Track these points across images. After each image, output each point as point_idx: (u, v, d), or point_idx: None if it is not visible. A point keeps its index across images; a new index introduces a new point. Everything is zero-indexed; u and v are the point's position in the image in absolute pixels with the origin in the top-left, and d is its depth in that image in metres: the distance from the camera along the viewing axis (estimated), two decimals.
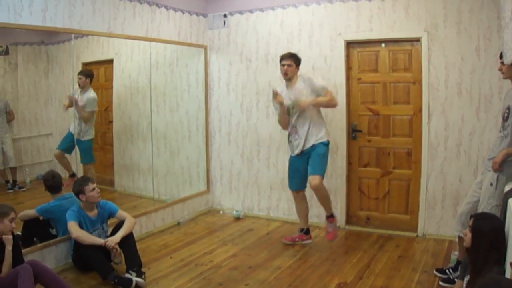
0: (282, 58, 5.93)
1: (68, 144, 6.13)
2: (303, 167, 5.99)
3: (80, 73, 6.21)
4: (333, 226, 5.94)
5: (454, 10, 5.95)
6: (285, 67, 5.87)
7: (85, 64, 6.30)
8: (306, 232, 6.34)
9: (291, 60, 5.88)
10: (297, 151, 5.96)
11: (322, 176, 5.83)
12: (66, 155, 6.23)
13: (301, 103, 5.74)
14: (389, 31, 6.37)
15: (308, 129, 5.84)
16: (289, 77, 5.89)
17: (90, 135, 6.43)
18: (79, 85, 6.21)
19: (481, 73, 5.88)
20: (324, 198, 5.92)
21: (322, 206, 6.04)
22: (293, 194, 6.30)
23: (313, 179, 5.75)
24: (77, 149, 6.11)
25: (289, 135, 6.03)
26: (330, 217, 5.97)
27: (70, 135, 6.13)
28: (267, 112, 7.27)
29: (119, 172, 7.25)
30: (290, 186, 6.29)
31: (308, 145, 5.87)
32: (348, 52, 6.74)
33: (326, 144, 5.90)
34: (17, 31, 5.16)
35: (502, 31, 4.10)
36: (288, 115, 5.91)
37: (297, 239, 6.31)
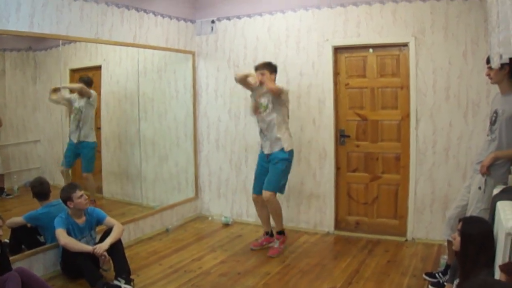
0: (256, 68, 6.10)
1: (72, 154, 6.27)
2: (265, 174, 6.13)
3: (81, 81, 6.34)
4: (278, 244, 6.04)
5: (442, 14, 5.98)
6: (259, 76, 6.01)
7: (73, 71, 6.28)
8: (271, 234, 6.42)
9: (264, 68, 6.02)
10: (265, 151, 6.12)
11: (276, 191, 6.02)
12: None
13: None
14: (376, 36, 6.39)
15: (274, 134, 5.97)
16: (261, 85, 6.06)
17: (93, 137, 6.59)
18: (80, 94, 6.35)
19: (469, 77, 5.91)
20: (275, 212, 6.12)
21: (273, 221, 6.22)
22: (253, 197, 6.39)
23: (265, 193, 5.99)
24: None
25: (260, 132, 6.19)
26: (279, 234, 6.11)
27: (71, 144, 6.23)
28: (255, 118, 7.25)
29: (107, 179, 7.22)
30: (252, 189, 6.40)
31: (274, 150, 6.01)
32: (335, 58, 6.76)
33: (287, 159, 6.01)
34: (4, 37, 5.14)
35: (489, 36, 4.13)
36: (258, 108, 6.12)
37: (264, 243, 6.38)
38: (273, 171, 5.98)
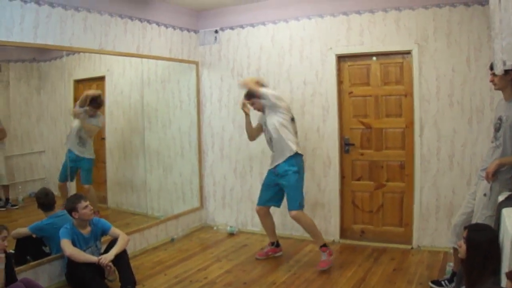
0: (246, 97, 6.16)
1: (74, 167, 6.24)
2: (272, 186, 6.13)
3: (91, 104, 6.31)
4: (326, 256, 5.85)
5: (444, 21, 6.00)
6: (253, 106, 6.10)
7: (77, 81, 6.29)
8: (277, 245, 6.44)
9: (251, 99, 6.07)
10: (271, 165, 6.09)
11: (300, 208, 5.91)
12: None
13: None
14: (379, 44, 6.40)
15: (277, 145, 5.91)
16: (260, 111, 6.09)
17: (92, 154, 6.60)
18: (90, 114, 6.36)
19: (472, 84, 5.92)
20: (308, 228, 5.99)
21: (311, 237, 6.12)
22: (256, 209, 6.37)
23: (290, 214, 5.91)
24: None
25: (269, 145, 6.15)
26: (322, 246, 5.91)
27: (71, 154, 6.19)
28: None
29: (112, 189, 7.22)
30: (257, 200, 6.37)
31: (278, 161, 5.92)
32: (339, 66, 6.76)
33: (296, 171, 5.87)
34: (9, 48, 5.15)
35: (493, 42, 4.12)
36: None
37: (269, 253, 6.38)
38: (287, 188, 5.90)
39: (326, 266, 5.76)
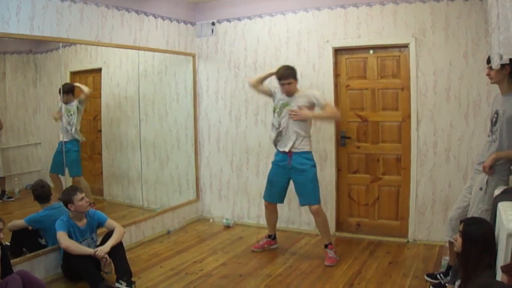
0: (281, 78, 5.85)
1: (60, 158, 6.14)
2: (283, 181, 6.08)
3: (61, 91, 6.14)
4: (333, 253, 5.87)
5: (442, 15, 5.98)
6: (286, 86, 5.84)
7: (74, 73, 6.27)
8: (273, 237, 6.44)
9: (291, 78, 5.83)
10: (282, 149, 5.94)
11: (320, 202, 5.93)
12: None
13: (301, 114, 5.74)
14: (377, 37, 6.39)
15: (294, 139, 5.85)
16: (291, 94, 5.89)
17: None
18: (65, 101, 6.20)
19: (469, 78, 5.91)
20: (323, 224, 5.97)
21: (321, 234, 6.11)
22: (265, 204, 6.34)
23: (311, 208, 5.90)
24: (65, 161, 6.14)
25: (277, 136, 5.98)
26: (330, 244, 5.93)
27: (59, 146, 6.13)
28: (255, 119, 7.28)
29: (108, 181, 7.19)
30: (264, 196, 6.32)
31: (294, 149, 5.85)
32: (336, 59, 6.75)
33: (313, 165, 5.91)
34: (5, 40, 5.13)
35: (490, 36, 4.13)
36: (274, 113, 6.01)
37: (265, 245, 6.38)
38: (306, 182, 5.87)
39: (334, 262, 5.76)
